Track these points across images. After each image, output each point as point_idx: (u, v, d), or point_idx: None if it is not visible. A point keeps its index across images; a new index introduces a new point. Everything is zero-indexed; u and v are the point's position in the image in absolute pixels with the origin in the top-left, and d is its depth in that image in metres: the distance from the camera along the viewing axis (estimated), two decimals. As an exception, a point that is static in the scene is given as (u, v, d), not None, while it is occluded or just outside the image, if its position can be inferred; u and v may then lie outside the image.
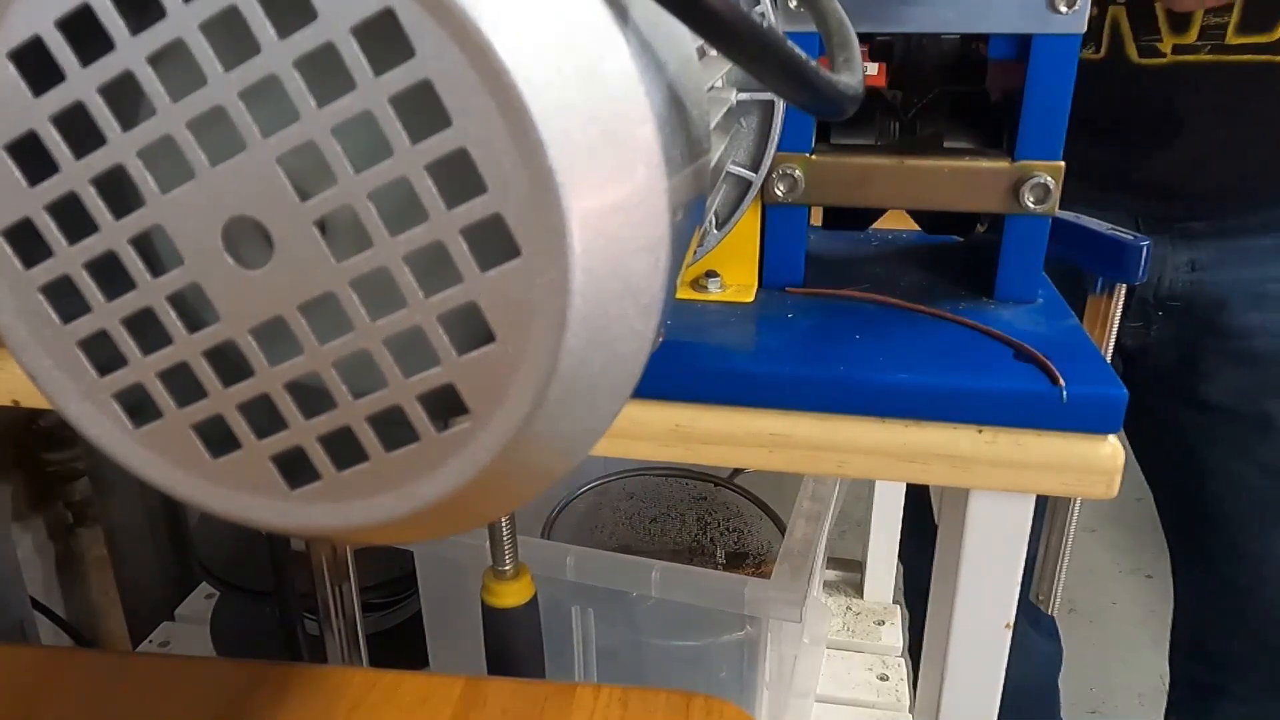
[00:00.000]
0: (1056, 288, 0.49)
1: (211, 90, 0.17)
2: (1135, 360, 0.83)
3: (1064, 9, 0.41)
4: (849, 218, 0.58)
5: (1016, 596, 0.44)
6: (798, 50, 0.21)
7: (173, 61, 0.17)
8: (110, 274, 0.18)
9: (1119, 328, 0.51)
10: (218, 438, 0.19)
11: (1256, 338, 0.77)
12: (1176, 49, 0.69)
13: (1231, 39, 0.68)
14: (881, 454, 0.41)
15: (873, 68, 0.48)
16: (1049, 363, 0.40)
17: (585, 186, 0.16)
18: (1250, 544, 0.83)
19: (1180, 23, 0.69)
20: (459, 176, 0.16)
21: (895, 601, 1.01)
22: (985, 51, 0.44)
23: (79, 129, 0.17)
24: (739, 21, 0.19)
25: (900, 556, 1.01)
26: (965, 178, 0.45)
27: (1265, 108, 0.71)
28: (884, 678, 0.90)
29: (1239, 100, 0.71)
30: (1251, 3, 0.66)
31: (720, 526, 0.90)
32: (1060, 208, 0.45)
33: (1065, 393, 0.39)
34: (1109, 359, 0.47)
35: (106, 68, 0.17)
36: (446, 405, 0.18)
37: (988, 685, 0.46)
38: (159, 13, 0.16)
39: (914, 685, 0.83)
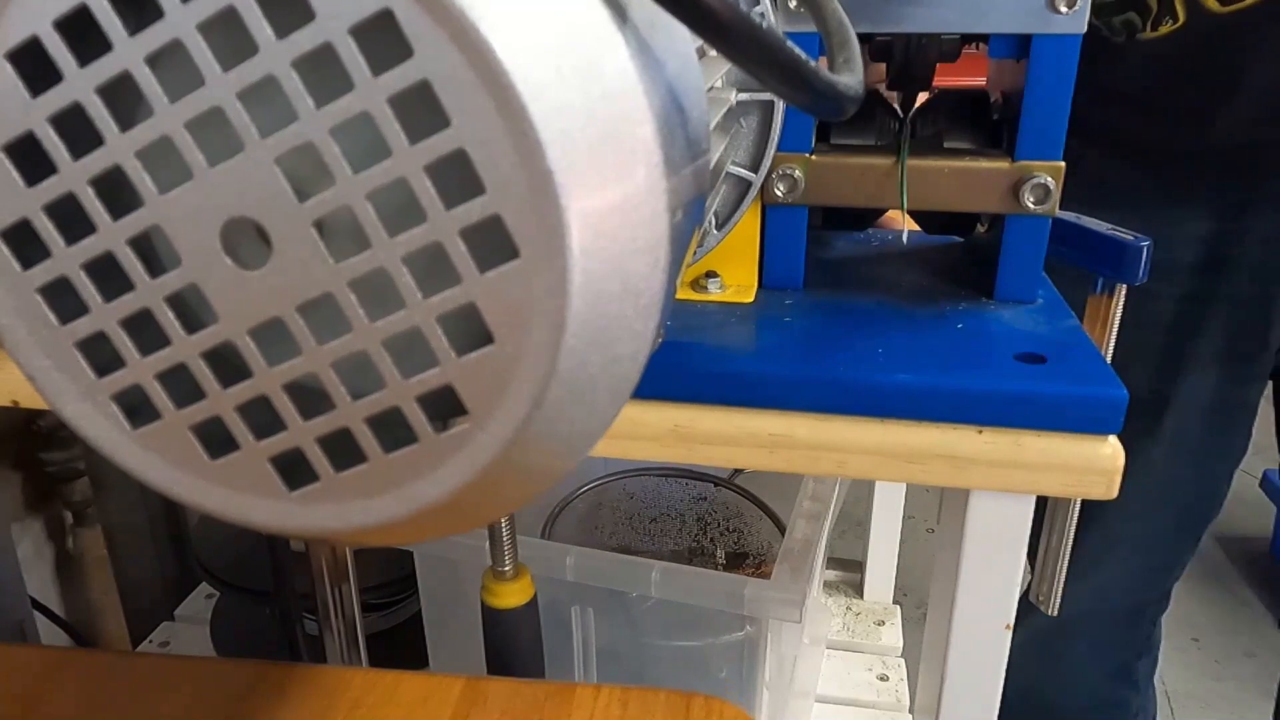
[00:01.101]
0: (1056, 288, 0.49)
1: (209, 91, 0.17)
2: None
3: (1064, 9, 0.41)
4: (849, 218, 0.58)
5: (1017, 597, 0.44)
6: (797, 50, 0.21)
7: (170, 62, 0.17)
8: (108, 275, 0.18)
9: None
10: (216, 439, 0.19)
11: None
12: None
13: None
14: (881, 454, 0.40)
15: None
16: (1048, 363, 0.40)
17: (584, 187, 0.16)
18: None
19: None
20: (458, 177, 0.16)
21: (895, 601, 1.01)
22: (985, 51, 0.44)
23: (77, 130, 0.17)
24: (738, 22, 0.19)
25: None
26: (965, 178, 0.45)
27: None
28: (884, 678, 0.90)
29: None
30: None
31: (720, 526, 0.90)
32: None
33: (1065, 393, 0.39)
34: (1109, 359, 0.47)
35: (104, 68, 0.17)
36: (445, 406, 0.18)
37: (988, 685, 0.45)
38: (156, 13, 0.16)
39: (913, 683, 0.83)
